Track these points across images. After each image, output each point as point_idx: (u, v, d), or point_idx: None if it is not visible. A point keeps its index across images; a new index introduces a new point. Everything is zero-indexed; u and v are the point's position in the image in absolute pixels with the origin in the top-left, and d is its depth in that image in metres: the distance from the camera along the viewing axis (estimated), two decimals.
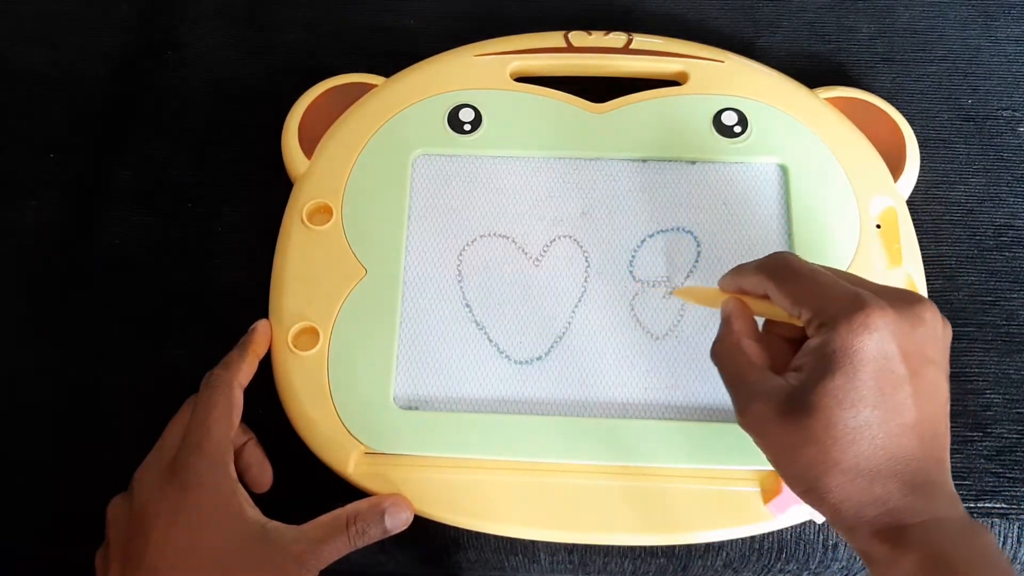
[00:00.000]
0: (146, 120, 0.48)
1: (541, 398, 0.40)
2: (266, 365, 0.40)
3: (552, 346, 0.40)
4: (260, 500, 0.36)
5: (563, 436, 0.38)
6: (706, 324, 0.40)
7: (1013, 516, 0.39)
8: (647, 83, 0.45)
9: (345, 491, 0.38)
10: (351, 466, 0.38)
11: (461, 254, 0.42)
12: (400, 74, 0.46)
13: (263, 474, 0.39)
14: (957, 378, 0.34)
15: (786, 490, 0.37)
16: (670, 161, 0.43)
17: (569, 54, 0.46)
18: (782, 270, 0.32)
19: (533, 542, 0.39)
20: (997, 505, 0.39)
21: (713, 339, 0.34)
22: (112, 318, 0.43)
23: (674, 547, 0.39)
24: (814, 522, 0.38)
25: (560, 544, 0.39)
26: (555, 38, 0.46)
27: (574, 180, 0.43)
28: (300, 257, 0.42)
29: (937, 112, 0.47)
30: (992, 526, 0.39)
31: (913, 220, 0.42)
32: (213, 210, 0.45)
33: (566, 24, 0.47)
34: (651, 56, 0.45)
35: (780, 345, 0.34)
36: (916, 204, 0.44)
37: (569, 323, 0.41)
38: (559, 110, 0.44)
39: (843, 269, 0.40)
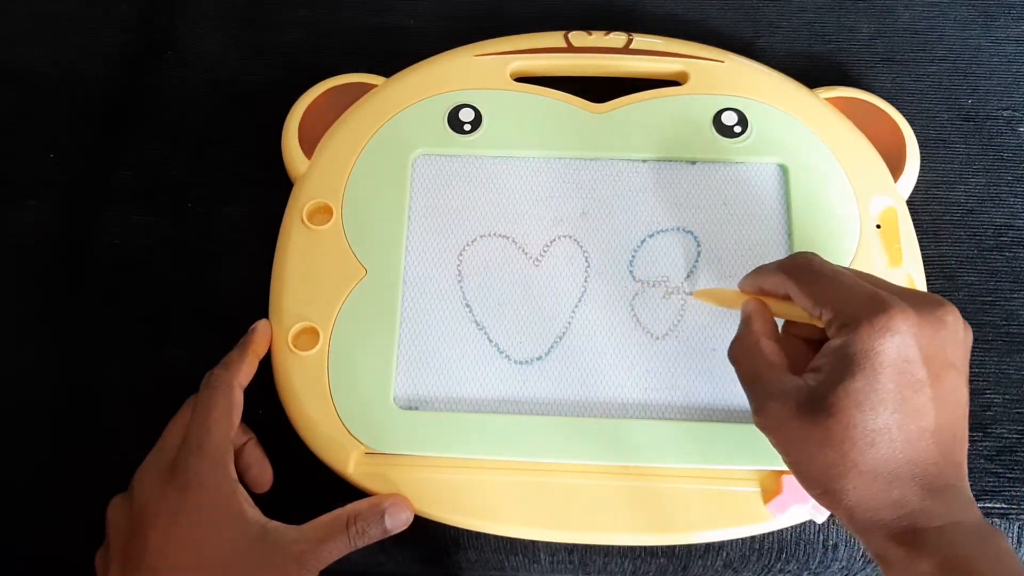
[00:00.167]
0: (146, 120, 0.48)
1: (541, 398, 0.40)
2: (266, 365, 0.40)
3: (552, 346, 0.40)
4: (260, 500, 0.36)
5: (563, 436, 0.38)
6: (706, 324, 0.40)
7: (1013, 516, 0.39)
8: (647, 83, 0.45)
9: (345, 491, 0.38)
10: (351, 466, 0.38)
11: (461, 254, 0.42)
12: (400, 74, 0.46)
13: (263, 474, 0.39)
14: None
15: (786, 490, 0.37)
16: (670, 161, 0.43)
17: (569, 54, 0.46)
18: (804, 270, 0.32)
19: (533, 542, 0.39)
20: (997, 505, 0.39)
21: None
22: (112, 318, 0.43)
23: (674, 547, 0.39)
24: (814, 522, 0.38)
25: (560, 544, 0.39)
26: (555, 38, 0.46)
27: (574, 180, 0.43)
28: (300, 257, 0.42)
29: (937, 112, 0.47)
30: (992, 526, 0.39)
31: (913, 220, 0.42)
32: (213, 210, 0.45)
33: (566, 24, 0.47)
34: (651, 56, 0.45)
35: (799, 346, 0.34)
36: (916, 204, 0.44)
37: (569, 323, 0.41)
38: (559, 110, 0.44)
39: None
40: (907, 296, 0.30)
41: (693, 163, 0.43)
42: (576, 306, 0.41)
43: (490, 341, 0.40)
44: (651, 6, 0.50)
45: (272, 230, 0.43)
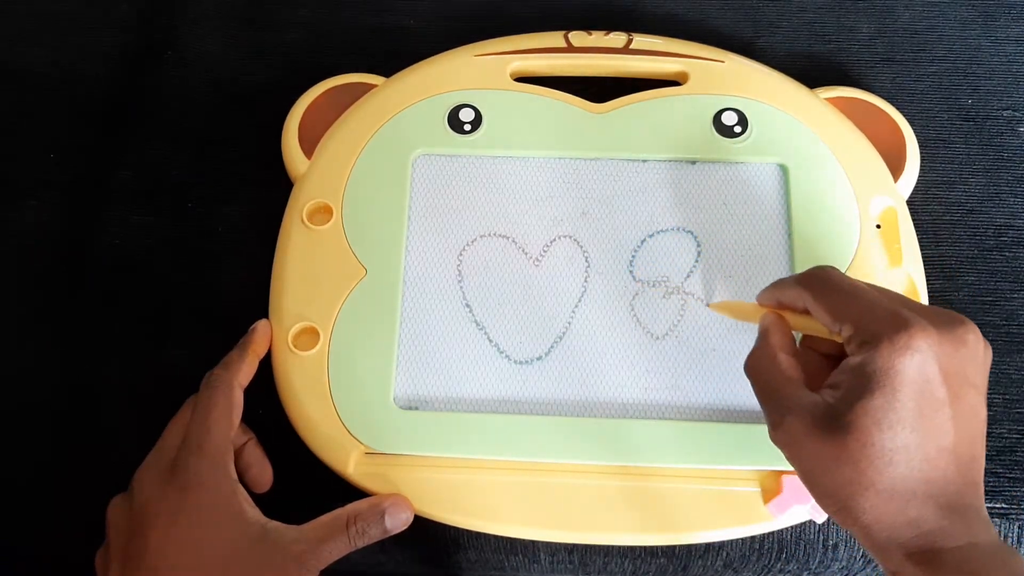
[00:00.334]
0: (146, 120, 0.48)
1: (541, 398, 0.40)
2: (266, 365, 0.40)
3: (552, 346, 0.40)
4: (260, 500, 0.36)
5: (563, 436, 0.38)
6: (706, 324, 0.40)
7: (1013, 516, 0.39)
8: (647, 83, 0.45)
9: (345, 491, 0.38)
10: (351, 466, 0.38)
11: (461, 254, 0.42)
12: (400, 74, 0.46)
13: (263, 474, 0.39)
14: None
15: (786, 490, 0.37)
16: (670, 161, 0.43)
17: (569, 54, 0.46)
18: (823, 284, 0.32)
19: (533, 542, 0.39)
20: (997, 505, 0.39)
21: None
22: (112, 318, 0.43)
23: (674, 547, 0.39)
24: (814, 522, 0.38)
25: (560, 544, 0.39)
26: (555, 38, 0.46)
27: (574, 180, 0.43)
28: (300, 257, 0.42)
29: (937, 112, 0.47)
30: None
31: (913, 220, 0.42)
32: (213, 210, 0.45)
33: (566, 24, 0.47)
34: (651, 56, 0.45)
35: (817, 360, 0.33)
36: (916, 204, 0.44)
37: (569, 323, 0.41)
38: (559, 110, 0.44)
39: (843, 269, 0.40)
40: (927, 314, 0.29)
41: (693, 163, 0.43)
42: (576, 306, 0.41)
43: (490, 341, 0.40)
44: (651, 6, 0.50)
45: (272, 230, 0.43)
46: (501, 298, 0.41)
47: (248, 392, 0.38)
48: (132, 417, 0.41)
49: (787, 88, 0.45)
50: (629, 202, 0.43)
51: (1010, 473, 0.39)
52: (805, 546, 0.39)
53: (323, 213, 0.42)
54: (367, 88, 0.45)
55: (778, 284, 0.34)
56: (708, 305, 0.40)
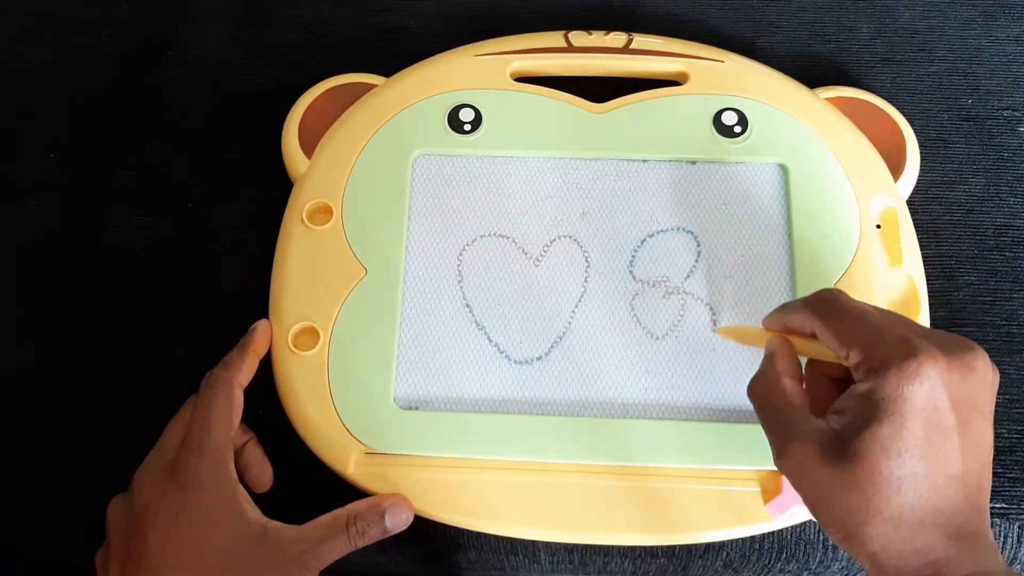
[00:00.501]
0: (146, 120, 0.48)
1: (541, 398, 0.40)
2: (266, 365, 0.40)
3: (552, 346, 0.40)
4: (260, 500, 0.36)
5: (563, 436, 0.38)
6: (706, 324, 0.40)
7: (1013, 516, 0.39)
8: (647, 83, 0.45)
9: (345, 491, 0.38)
10: (351, 466, 0.38)
11: (461, 254, 0.42)
12: (400, 74, 0.46)
13: (263, 474, 0.39)
14: None
15: (786, 490, 0.37)
16: (670, 161, 0.43)
17: (569, 54, 0.46)
18: (830, 309, 0.32)
19: (533, 542, 0.39)
20: (997, 505, 0.39)
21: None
22: (112, 318, 0.43)
23: (674, 547, 0.39)
24: (814, 522, 0.38)
25: (560, 544, 0.39)
26: (555, 38, 0.46)
27: (574, 180, 0.43)
28: (300, 257, 0.42)
29: (937, 112, 0.47)
30: (992, 526, 0.39)
31: (913, 220, 0.42)
32: (213, 210, 0.45)
33: (566, 24, 0.47)
34: (651, 56, 0.45)
35: (824, 384, 0.33)
36: (916, 204, 0.44)
37: (569, 323, 0.41)
38: (559, 110, 0.44)
39: (843, 270, 0.40)
40: (936, 339, 0.29)
41: (693, 163, 0.43)
42: (576, 306, 0.41)
43: (490, 341, 0.40)
44: (651, 6, 0.50)
45: (272, 230, 0.43)
46: (501, 298, 0.41)
47: (248, 392, 0.38)
48: (132, 417, 0.41)
49: (787, 88, 0.45)
50: (629, 202, 0.43)
51: (1010, 473, 0.39)
52: (805, 546, 0.39)
53: (323, 213, 0.42)
54: (367, 88, 0.45)
55: (784, 308, 0.34)
56: (715, 330, 0.40)
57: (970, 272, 0.43)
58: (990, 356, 0.41)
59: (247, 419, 0.38)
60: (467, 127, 0.44)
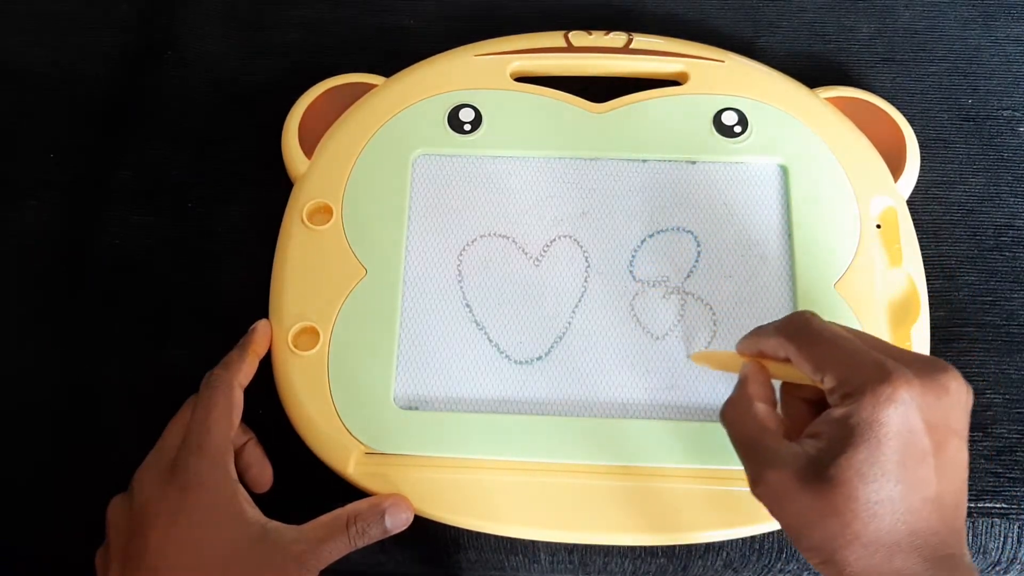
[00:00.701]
0: (146, 120, 0.48)
1: (541, 398, 0.40)
2: (266, 365, 0.40)
3: (552, 346, 0.40)
4: (260, 500, 0.36)
5: (563, 436, 0.38)
6: (706, 324, 0.40)
7: (1013, 516, 0.39)
8: (647, 83, 0.45)
9: (345, 491, 0.38)
10: (351, 466, 0.38)
11: (461, 254, 0.42)
12: (400, 74, 0.46)
13: (263, 474, 0.39)
14: None
15: None
16: (670, 161, 0.43)
17: (569, 54, 0.46)
18: (804, 333, 0.32)
19: (533, 542, 0.39)
20: (997, 505, 0.39)
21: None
22: (112, 318, 0.43)
23: (674, 547, 0.39)
24: None
25: (560, 544, 0.39)
26: (555, 38, 0.46)
27: (574, 180, 0.43)
28: (300, 257, 0.42)
29: (937, 112, 0.47)
30: (992, 526, 0.39)
31: (913, 220, 0.42)
32: (213, 210, 0.45)
33: (566, 24, 0.47)
34: (651, 56, 0.45)
35: (799, 407, 0.33)
36: (916, 204, 0.44)
37: (569, 323, 0.41)
38: (559, 110, 0.44)
39: (844, 269, 0.40)
40: (909, 362, 0.29)
41: (693, 163, 0.43)
42: (576, 306, 0.41)
43: (490, 341, 0.40)
44: (651, 6, 0.50)
45: (272, 230, 0.43)
46: (501, 298, 0.41)
47: (248, 392, 0.38)
48: (132, 417, 0.41)
49: (787, 88, 0.45)
50: (629, 202, 0.43)
51: (1010, 473, 0.39)
52: None
53: (323, 213, 0.42)
54: (367, 88, 0.45)
55: (758, 332, 0.34)
56: (690, 357, 0.40)
57: (970, 272, 0.43)
58: (990, 356, 0.41)
59: (247, 419, 0.38)
60: (467, 127, 0.44)
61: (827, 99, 0.45)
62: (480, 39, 0.47)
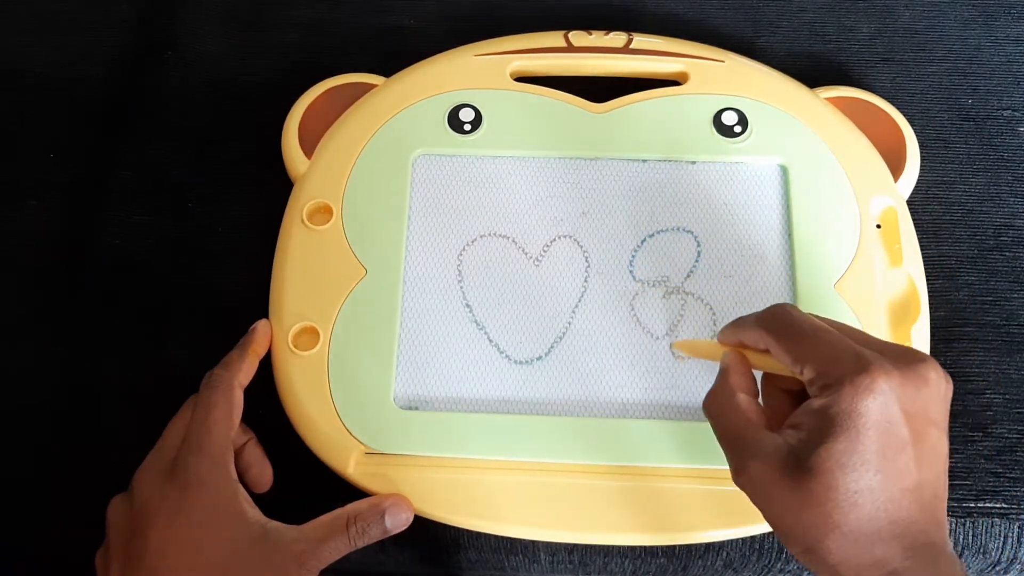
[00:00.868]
0: (146, 120, 0.48)
1: (541, 398, 0.40)
2: (266, 365, 0.40)
3: (552, 346, 0.40)
4: (260, 500, 0.36)
5: (563, 436, 0.38)
6: (706, 324, 0.40)
7: (1013, 516, 0.39)
8: (647, 83, 0.45)
9: (345, 491, 0.38)
10: (351, 466, 0.38)
11: (461, 254, 0.42)
12: (400, 74, 0.46)
13: (263, 474, 0.39)
14: (957, 378, 0.34)
15: None
16: (670, 161, 0.43)
17: (569, 54, 0.46)
18: (783, 326, 0.32)
19: (533, 542, 0.39)
20: (997, 505, 0.39)
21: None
22: (112, 318, 0.43)
23: (674, 547, 0.39)
24: None
25: (560, 544, 0.39)
26: (555, 38, 0.46)
27: (574, 180, 0.43)
28: (300, 257, 0.42)
29: (937, 112, 0.47)
30: (992, 526, 0.39)
31: (913, 220, 0.42)
32: (213, 210, 0.45)
33: (566, 24, 0.47)
34: (651, 56, 0.45)
35: (779, 397, 0.33)
36: (916, 204, 0.44)
37: (569, 323, 0.41)
38: (559, 110, 0.44)
39: (844, 269, 0.40)
40: (888, 352, 0.30)
41: (693, 163, 0.43)
42: (576, 306, 0.41)
43: (490, 341, 0.40)
44: (651, 6, 0.50)
45: (272, 230, 0.43)
46: (501, 298, 0.41)
47: (248, 392, 0.38)
48: (132, 417, 0.41)
49: (787, 88, 0.45)
50: (629, 202, 0.43)
51: (1010, 473, 0.39)
52: None
53: (323, 213, 0.42)
54: (367, 88, 0.45)
55: (738, 323, 0.34)
56: (671, 345, 0.40)
57: (970, 272, 0.43)
58: (990, 356, 0.41)
59: (247, 419, 0.38)
60: (467, 127, 0.44)
61: (827, 99, 0.45)
62: (480, 39, 0.47)
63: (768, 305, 0.33)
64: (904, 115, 0.45)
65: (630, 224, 0.42)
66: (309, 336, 0.40)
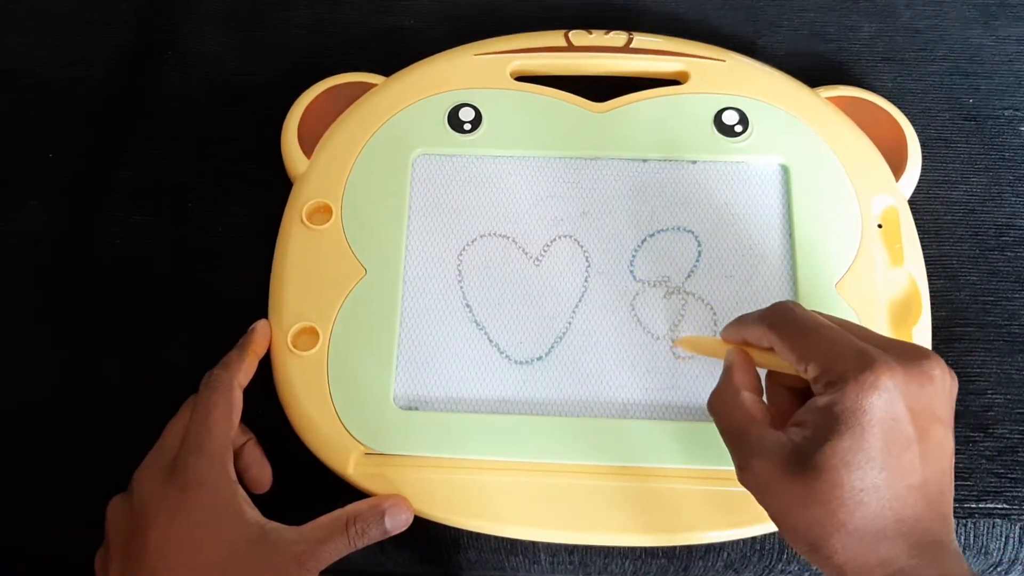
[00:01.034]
0: (146, 120, 0.48)
1: (541, 398, 0.39)
2: (266, 365, 0.40)
3: (552, 346, 0.40)
4: (260, 500, 0.36)
5: (563, 436, 0.38)
6: (707, 324, 0.40)
7: (1015, 516, 0.39)
8: (648, 82, 0.45)
9: (345, 491, 0.38)
10: (351, 467, 0.38)
11: (461, 254, 0.42)
12: (400, 74, 0.46)
13: (263, 474, 0.39)
14: (958, 379, 0.34)
15: None
16: (670, 161, 0.43)
17: (569, 53, 0.46)
18: (787, 323, 0.32)
19: (533, 542, 0.39)
20: (999, 505, 0.39)
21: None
22: (112, 318, 0.43)
23: (675, 548, 0.39)
24: None
25: (560, 544, 0.39)
26: (555, 37, 0.46)
27: (574, 180, 0.43)
28: (300, 257, 0.42)
29: (939, 111, 0.47)
30: (994, 527, 0.39)
31: (915, 220, 0.42)
32: (213, 210, 0.45)
33: (566, 23, 0.47)
34: (652, 55, 0.45)
35: (783, 395, 0.33)
36: (918, 204, 0.43)
37: (569, 323, 0.41)
38: (559, 110, 0.44)
39: (845, 269, 0.40)
40: (893, 350, 0.29)
41: (694, 163, 0.43)
42: (576, 306, 0.41)
43: (490, 341, 0.40)
44: (652, 5, 0.50)
45: (272, 230, 0.43)
46: (501, 298, 0.41)
47: (248, 392, 0.38)
48: (132, 417, 0.41)
49: (788, 87, 0.45)
50: (629, 202, 0.43)
51: (1011, 474, 0.39)
52: None
53: (323, 213, 0.42)
54: (367, 88, 0.45)
55: (742, 320, 0.34)
56: (673, 343, 0.40)
57: (972, 272, 0.43)
58: (992, 356, 0.41)
59: (247, 419, 0.38)
60: (467, 127, 0.44)
61: (828, 98, 0.45)
62: (480, 39, 0.47)
63: (768, 304, 0.33)
64: (905, 114, 0.45)
65: (630, 224, 0.42)
66: (308, 336, 0.40)
